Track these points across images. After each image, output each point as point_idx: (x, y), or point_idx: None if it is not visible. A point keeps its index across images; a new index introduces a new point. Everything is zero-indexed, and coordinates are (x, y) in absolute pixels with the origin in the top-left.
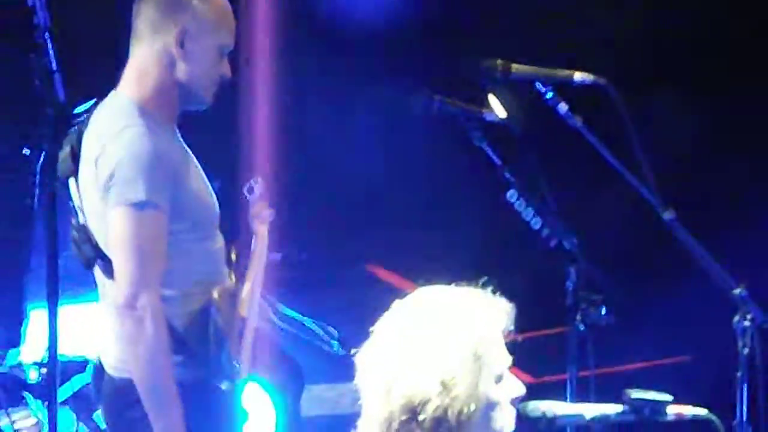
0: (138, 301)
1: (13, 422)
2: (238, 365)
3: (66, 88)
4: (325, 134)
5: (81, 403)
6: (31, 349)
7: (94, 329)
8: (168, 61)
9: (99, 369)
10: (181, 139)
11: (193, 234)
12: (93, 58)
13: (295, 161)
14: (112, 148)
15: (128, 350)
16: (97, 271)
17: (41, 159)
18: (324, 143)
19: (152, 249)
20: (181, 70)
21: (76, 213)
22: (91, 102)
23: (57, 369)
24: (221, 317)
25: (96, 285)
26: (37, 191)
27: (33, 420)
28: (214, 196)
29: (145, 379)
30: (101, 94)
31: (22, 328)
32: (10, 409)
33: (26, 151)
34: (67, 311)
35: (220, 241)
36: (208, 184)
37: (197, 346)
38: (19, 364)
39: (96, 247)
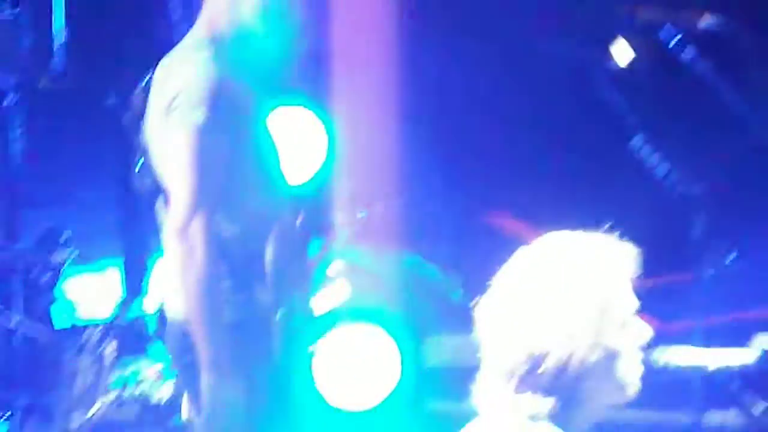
0: (191, 227)
1: (136, 372)
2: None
3: None
4: (455, 84)
5: None
6: (154, 300)
7: None
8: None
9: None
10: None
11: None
12: None
13: (430, 109)
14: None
15: (177, 281)
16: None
17: None
18: (454, 92)
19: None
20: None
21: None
22: None
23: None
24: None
25: None
26: None
27: (155, 370)
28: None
29: (194, 310)
30: None
31: (144, 279)
32: (132, 358)
33: None
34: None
35: None
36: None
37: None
38: (142, 315)
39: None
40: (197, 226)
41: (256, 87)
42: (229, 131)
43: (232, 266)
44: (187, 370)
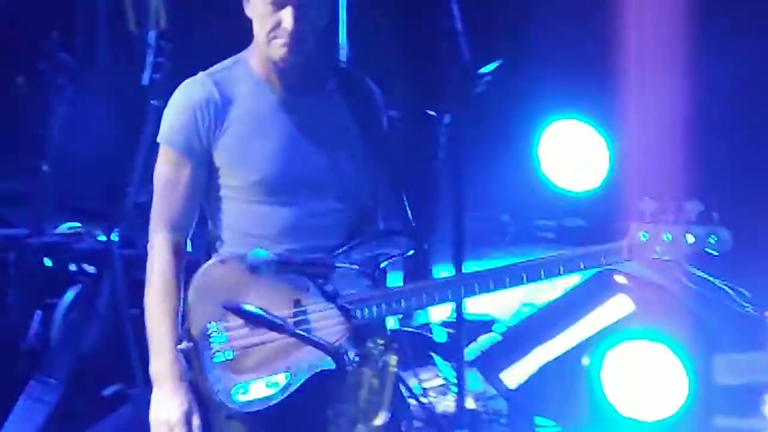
0: (150, 241)
1: (421, 381)
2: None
3: (471, 49)
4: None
5: (488, 363)
6: (439, 310)
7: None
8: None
9: None
10: (286, 102)
11: (247, 194)
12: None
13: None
14: None
15: None
16: None
17: (446, 120)
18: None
19: (166, 189)
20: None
21: None
22: (495, 64)
23: (464, 329)
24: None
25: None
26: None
27: (440, 380)
28: (300, 166)
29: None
30: (506, 55)
31: None
32: (417, 369)
33: (431, 113)
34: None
35: (297, 207)
36: (284, 146)
37: None
38: (427, 324)
39: None
40: (153, 241)
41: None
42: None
43: None
44: None
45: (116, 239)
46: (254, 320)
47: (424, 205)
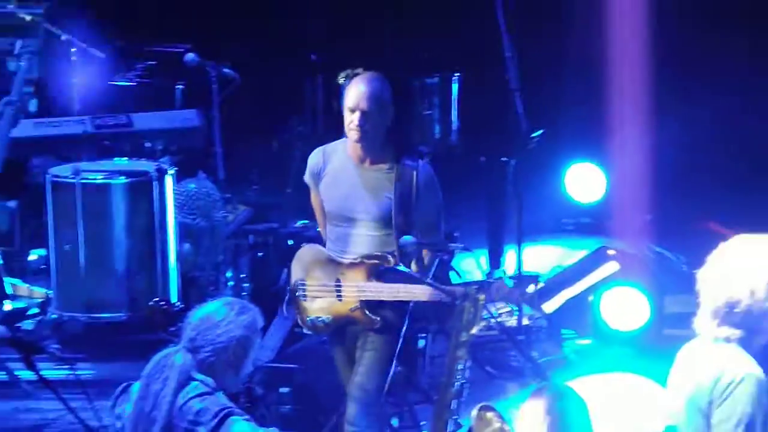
0: None
1: (497, 309)
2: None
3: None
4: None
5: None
6: (508, 266)
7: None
8: None
9: None
10: (360, 165)
11: (329, 217)
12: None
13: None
14: None
15: None
16: None
17: (512, 164)
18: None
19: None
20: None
21: None
22: (540, 132)
23: (521, 278)
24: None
25: None
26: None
27: (508, 308)
28: (352, 199)
29: None
30: (545, 125)
31: (502, 257)
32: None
33: (504, 159)
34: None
35: (352, 228)
36: (362, 192)
37: None
38: (501, 276)
39: None
40: None
41: None
42: (315, 186)
43: None
44: None
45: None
46: (403, 278)
47: (499, 213)
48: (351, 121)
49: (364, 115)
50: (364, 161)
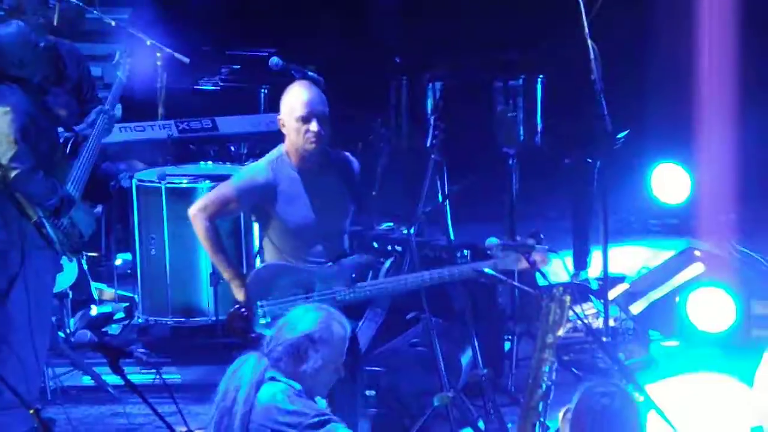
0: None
1: (584, 310)
2: None
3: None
4: None
5: (622, 300)
6: (594, 270)
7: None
8: (285, 133)
9: None
10: (310, 177)
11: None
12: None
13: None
14: None
15: None
16: None
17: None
18: None
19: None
20: (287, 138)
21: None
22: (625, 132)
23: (607, 281)
24: None
25: None
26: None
27: (594, 310)
28: (324, 216)
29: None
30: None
31: (588, 258)
32: (581, 304)
33: (589, 160)
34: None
35: (321, 237)
36: (327, 203)
37: None
38: (587, 279)
39: None
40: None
41: None
42: (244, 196)
43: None
44: None
45: (412, 232)
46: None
47: (584, 215)
48: (307, 130)
49: (321, 123)
50: (312, 169)
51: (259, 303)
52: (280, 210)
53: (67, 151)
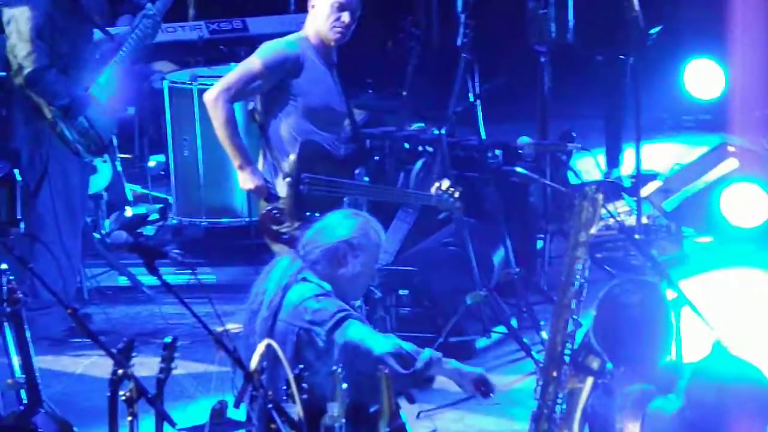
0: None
1: (616, 208)
2: None
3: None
4: None
5: (655, 196)
6: (627, 167)
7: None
8: (311, 15)
9: None
10: (326, 66)
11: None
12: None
13: None
14: None
15: None
16: None
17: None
18: None
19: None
20: (312, 21)
21: None
22: (658, 28)
23: (640, 178)
24: None
25: None
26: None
27: (627, 207)
28: (337, 105)
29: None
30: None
31: (621, 156)
32: (614, 201)
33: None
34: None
35: (335, 124)
36: (337, 95)
37: None
38: (619, 176)
39: None
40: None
41: None
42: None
43: None
44: None
45: (443, 132)
46: None
47: (617, 112)
48: (338, 18)
49: (353, 17)
50: (328, 59)
51: (304, 175)
52: (304, 88)
53: (98, 55)
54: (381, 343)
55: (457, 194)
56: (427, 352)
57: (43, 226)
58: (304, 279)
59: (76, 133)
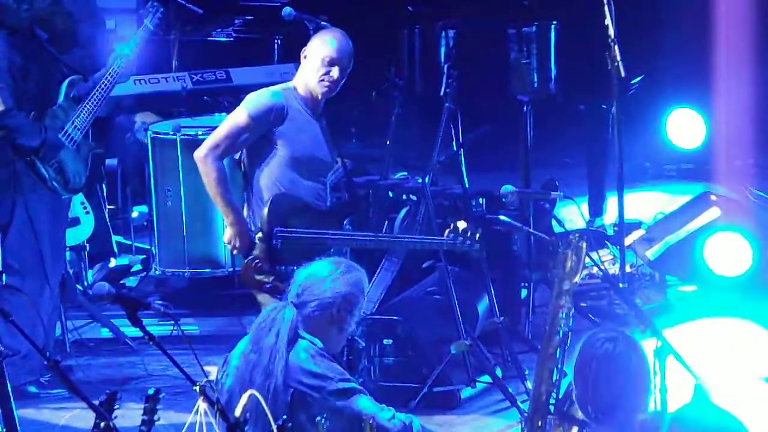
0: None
1: (600, 256)
2: None
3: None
4: None
5: (637, 245)
6: (609, 216)
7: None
8: (302, 66)
9: None
10: (312, 116)
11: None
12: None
13: None
14: None
15: None
16: None
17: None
18: None
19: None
20: (302, 72)
21: None
22: (639, 78)
23: (623, 228)
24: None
25: None
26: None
27: (610, 256)
28: (323, 155)
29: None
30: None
31: (604, 204)
32: (598, 250)
33: (603, 106)
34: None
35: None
36: (323, 145)
37: None
38: (602, 225)
39: None
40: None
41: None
42: (260, 124)
43: None
44: None
45: (427, 181)
46: None
47: (600, 161)
48: (327, 73)
49: (343, 73)
50: (314, 111)
51: (276, 229)
52: (288, 137)
53: (72, 95)
54: (390, 419)
55: (477, 236)
56: None
57: (27, 267)
58: (298, 336)
59: (53, 171)
